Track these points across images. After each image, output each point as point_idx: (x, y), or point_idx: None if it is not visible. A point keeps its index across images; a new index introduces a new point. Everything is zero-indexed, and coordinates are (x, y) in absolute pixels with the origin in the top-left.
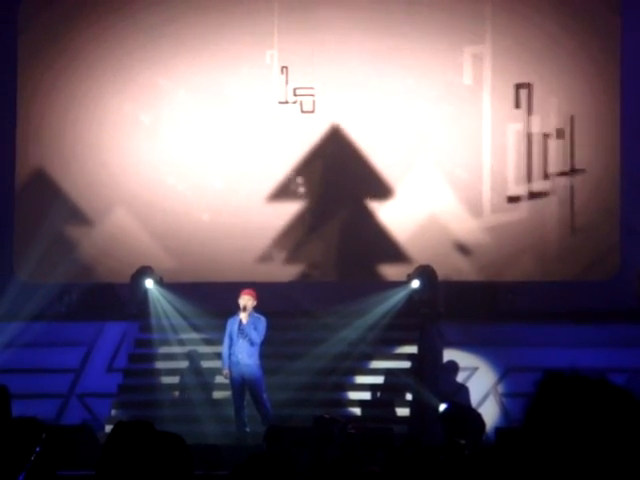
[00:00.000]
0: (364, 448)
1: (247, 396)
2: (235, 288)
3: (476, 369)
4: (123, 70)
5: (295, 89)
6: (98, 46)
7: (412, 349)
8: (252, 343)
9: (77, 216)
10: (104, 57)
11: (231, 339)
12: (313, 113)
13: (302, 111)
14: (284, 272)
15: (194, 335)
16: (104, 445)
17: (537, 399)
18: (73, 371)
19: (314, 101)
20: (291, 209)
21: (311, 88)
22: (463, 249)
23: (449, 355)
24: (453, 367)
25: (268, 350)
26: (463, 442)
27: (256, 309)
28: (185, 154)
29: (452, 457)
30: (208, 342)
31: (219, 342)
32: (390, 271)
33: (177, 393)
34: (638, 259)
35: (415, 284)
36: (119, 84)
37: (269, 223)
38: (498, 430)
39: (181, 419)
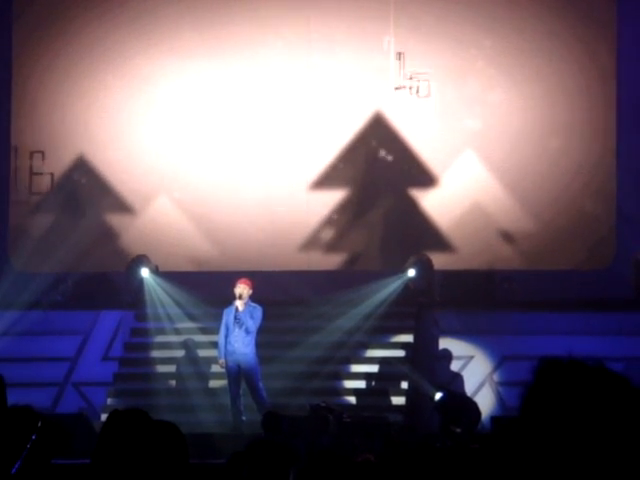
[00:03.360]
0: (359, 437)
1: (243, 385)
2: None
3: (472, 358)
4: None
5: (411, 75)
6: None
7: (408, 338)
8: (248, 331)
9: (75, 204)
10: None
11: (227, 328)
12: (429, 97)
13: (418, 96)
14: (327, 261)
15: (190, 324)
16: (99, 434)
17: (535, 385)
18: (69, 360)
19: (429, 86)
20: (335, 197)
21: (425, 73)
22: (507, 237)
23: (445, 344)
24: (449, 356)
25: (264, 339)
26: (459, 431)
27: (254, 298)
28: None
29: (448, 446)
30: (204, 331)
31: (215, 331)
32: (434, 259)
33: (173, 382)
34: (634, 248)
35: (411, 272)
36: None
37: (312, 211)
38: (494, 418)
39: (177, 408)
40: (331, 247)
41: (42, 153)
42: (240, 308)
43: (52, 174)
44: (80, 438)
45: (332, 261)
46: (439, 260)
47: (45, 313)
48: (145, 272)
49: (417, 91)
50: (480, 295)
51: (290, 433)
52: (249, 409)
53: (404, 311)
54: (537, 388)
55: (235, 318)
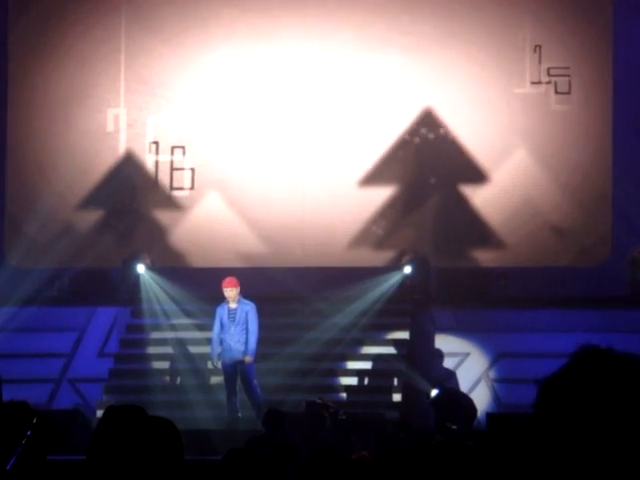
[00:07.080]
0: (355, 433)
1: (239, 382)
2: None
3: (468, 355)
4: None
5: (549, 69)
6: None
7: (404, 335)
8: (250, 332)
9: (70, 198)
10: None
11: (222, 326)
12: (568, 94)
13: (556, 92)
14: (376, 258)
15: (186, 320)
16: (95, 430)
17: (570, 369)
18: (64, 356)
19: (569, 81)
20: (384, 194)
21: (567, 68)
22: (558, 233)
23: (441, 341)
24: (445, 353)
25: (259, 336)
26: (454, 427)
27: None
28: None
29: (443, 442)
30: (200, 327)
31: (211, 328)
32: (482, 256)
33: (168, 378)
34: (629, 245)
35: (407, 270)
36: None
37: (362, 208)
38: (489, 415)
39: (173, 404)
40: (381, 244)
41: None
42: (233, 305)
43: (45, 170)
44: (76, 434)
45: (381, 258)
46: (488, 257)
47: (41, 309)
48: (141, 268)
49: (555, 86)
50: (475, 292)
51: (289, 430)
52: (245, 406)
53: (400, 308)
54: (572, 372)
55: (229, 316)
